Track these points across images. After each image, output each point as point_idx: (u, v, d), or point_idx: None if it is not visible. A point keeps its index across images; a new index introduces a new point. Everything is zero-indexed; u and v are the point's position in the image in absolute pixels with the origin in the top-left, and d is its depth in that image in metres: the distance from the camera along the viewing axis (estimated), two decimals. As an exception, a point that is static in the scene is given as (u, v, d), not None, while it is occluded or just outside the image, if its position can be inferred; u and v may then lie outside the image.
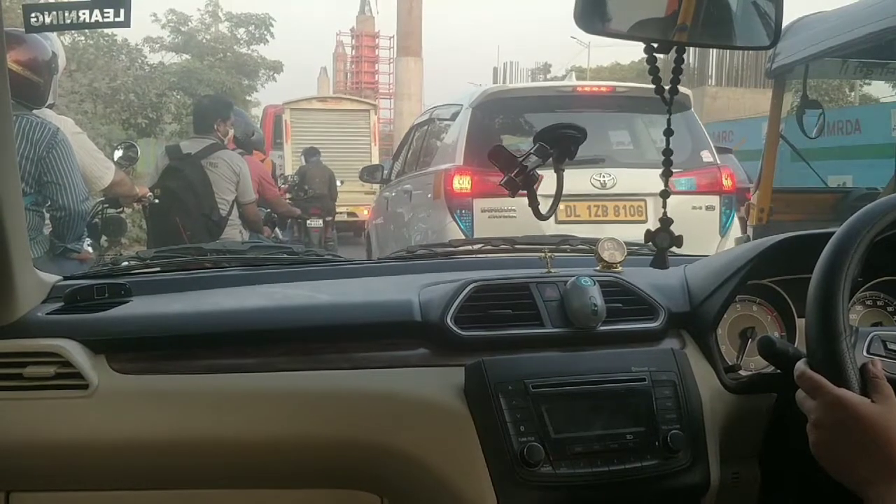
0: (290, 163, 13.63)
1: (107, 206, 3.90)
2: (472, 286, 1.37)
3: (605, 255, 1.58)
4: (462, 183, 4.85)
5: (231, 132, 4.86)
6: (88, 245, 3.47)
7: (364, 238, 8.28)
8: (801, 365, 1.08)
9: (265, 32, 25.03)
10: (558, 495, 1.20)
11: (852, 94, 20.98)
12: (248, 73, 24.97)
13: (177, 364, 1.27)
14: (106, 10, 1.03)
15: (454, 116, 5.46)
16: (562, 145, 1.46)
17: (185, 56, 23.33)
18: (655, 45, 1.00)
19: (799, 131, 4.23)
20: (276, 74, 26.05)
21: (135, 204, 4.25)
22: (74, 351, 1.24)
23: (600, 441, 1.22)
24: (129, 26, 1.05)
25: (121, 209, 4.06)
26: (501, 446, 1.19)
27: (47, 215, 3.01)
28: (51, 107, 3.17)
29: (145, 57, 19.99)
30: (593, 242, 1.66)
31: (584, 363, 1.30)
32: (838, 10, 3.94)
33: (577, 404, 1.23)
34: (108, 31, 17.03)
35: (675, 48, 1.02)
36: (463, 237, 4.55)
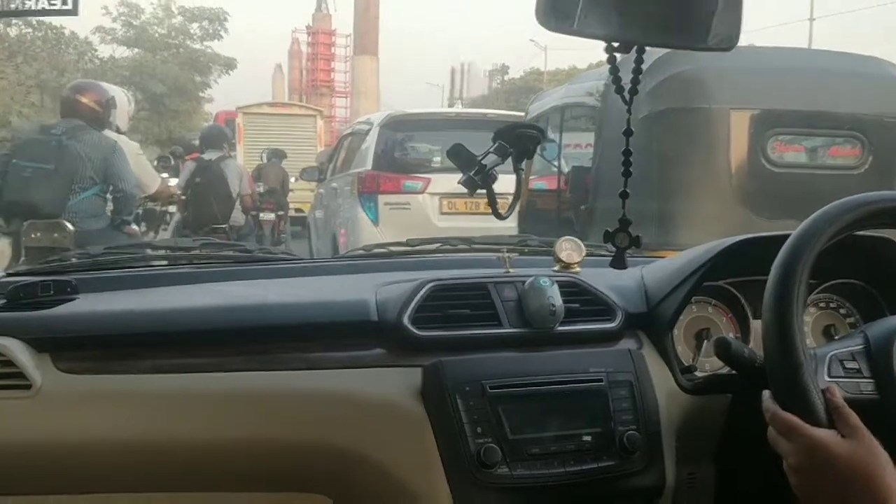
0: (242, 162, 13.80)
1: (147, 200, 5.44)
2: (429, 286, 1.35)
3: (563, 256, 1.57)
4: (369, 183, 6.64)
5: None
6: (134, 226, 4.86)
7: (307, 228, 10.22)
8: (769, 403, 1.07)
9: (219, 28, 24.67)
10: (514, 497, 1.19)
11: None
12: (201, 70, 24.62)
13: (124, 364, 1.23)
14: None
15: (368, 132, 7.16)
16: (521, 144, 1.45)
17: (136, 50, 22.86)
18: (616, 45, 0.99)
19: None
20: (230, 71, 25.75)
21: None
22: (17, 350, 1.19)
23: (557, 442, 1.21)
24: (76, 14, 1.02)
25: (157, 203, 5.94)
26: (458, 448, 1.18)
27: (109, 199, 4.37)
28: (118, 131, 4.73)
29: (95, 50, 19.59)
30: (551, 243, 1.66)
31: (541, 364, 1.29)
32: (557, 88, 5.55)
33: (535, 405, 1.23)
34: (56, 23, 16.74)
35: (635, 48, 1.02)
36: (370, 223, 6.44)
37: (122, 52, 22.39)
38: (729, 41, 1.03)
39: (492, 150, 1.39)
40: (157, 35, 23.56)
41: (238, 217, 6.93)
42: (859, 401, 1.07)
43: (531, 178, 5.86)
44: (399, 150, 7.03)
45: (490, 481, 1.17)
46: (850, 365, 1.12)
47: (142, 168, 4.88)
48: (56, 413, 1.17)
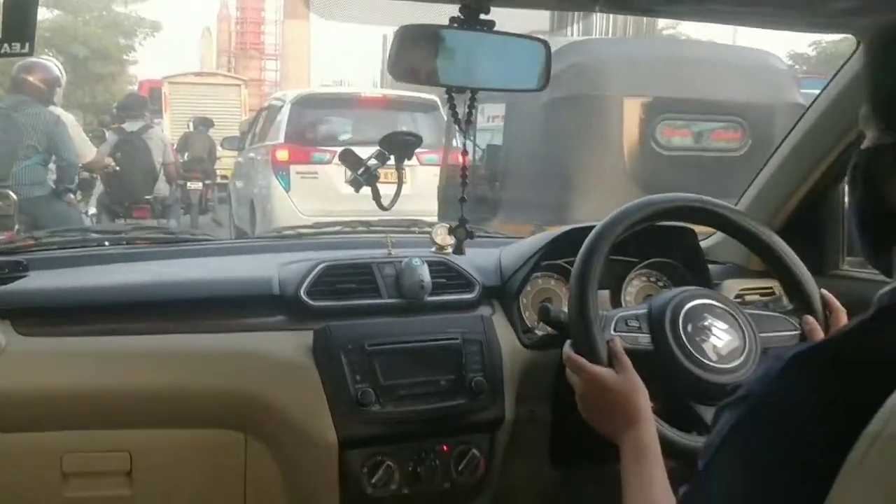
0: (169, 131, 13.84)
1: (82, 170, 5.85)
2: (322, 265, 1.67)
3: (438, 239, 1.91)
4: (282, 154, 7.64)
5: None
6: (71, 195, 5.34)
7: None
8: (567, 348, 1.42)
9: (144, -6, 24.21)
10: (385, 428, 1.53)
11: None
12: (125, 32, 24.13)
13: (70, 328, 1.51)
14: (13, 44, 1.27)
15: (281, 108, 8.16)
16: (400, 149, 1.78)
17: (56, 12, 22.25)
18: (453, 90, 1.33)
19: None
20: (155, 33, 25.31)
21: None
22: None
23: (420, 386, 1.55)
24: (32, 55, 1.29)
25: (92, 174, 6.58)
26: (341, 392, 1.50)
27: (52, 168, 4.89)
28: (55, 105, 5.04)
29: (13, 11, 18.97)
30: (432, 225, 2.00)
31: (411, 327, 1.63)
32: None
33: (404, 358, 1.56)
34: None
35: (468, 91, 1.36)
36: (283, 191, 7.52)
37: (42, 13, 21.77)
38: (540, 82, 1.38)
39: (374, 155, 1.71)
40: (77, -1, 23.02)
41: (162, 188, 7.25)
42: (638, 351, 1.43)
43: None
44: (308, 125, 8.00)
45: (366, 417, 1.50)
46: (632, 323, 1.47)
47: (78, 139, 5.40)
48: (19, 368, 1.45)
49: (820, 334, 1.46)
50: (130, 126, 7.03)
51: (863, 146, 0.88)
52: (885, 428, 0.68)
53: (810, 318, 1.50)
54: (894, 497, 0.66)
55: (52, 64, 5.45)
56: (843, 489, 0.69)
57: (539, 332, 1.74)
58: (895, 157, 0.82)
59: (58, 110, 5.08)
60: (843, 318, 1.50)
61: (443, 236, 1.92)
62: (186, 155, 10.64)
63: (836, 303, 1.53)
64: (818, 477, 0.71)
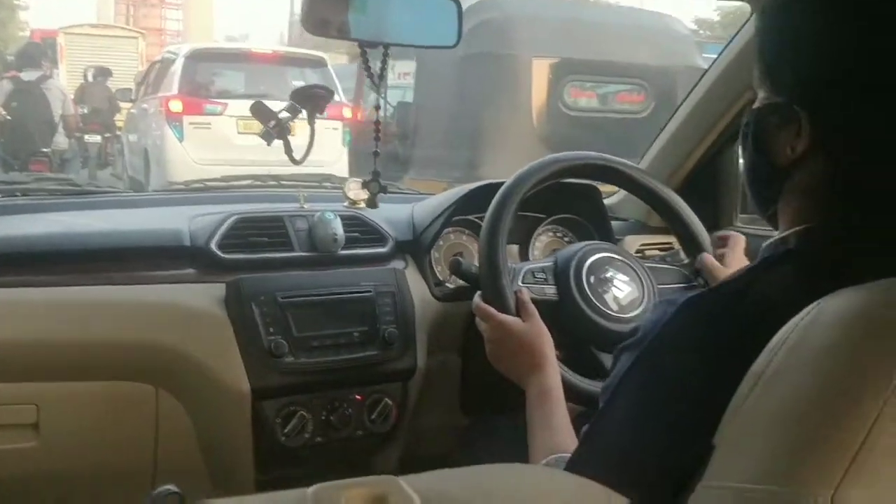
0: (65, 83, 13.35)
1: None
2: (233, 218, 1.66)
3: (351, 194, 1.91)
4: (175, 105, 8.05)
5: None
6: None
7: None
8: (476, 298, 1.46)
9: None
10: (298, 378, 1.55)
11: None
12: (15, -24, 22.78)
13: None
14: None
15: (174, 61, 8.67)
16: (312, 103, 1.77)
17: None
18: (365, 45, 1.34)
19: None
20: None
21: None
22: None
23: (333, 338, 1.57)
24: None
25: None
26: (254, 343, 1.51)
27: None
28: None
29: None
30: (344, 181, 2.00)
31: (324, 279, 1.64)
32: None
33: (317, 310, 1.58)
34: None
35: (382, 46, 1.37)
36: (176, 140, 7.86)
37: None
38: (452, 39, 1.40)
39: (285, 108, 1.70)
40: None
41: (61, 141, 7.22)
42: (544, 301, 1.49)
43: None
44: (201, 78, 8.49)
45: (279, 367, 1.52)
46: (539, 275, 1.54)
47: None
48: None
49: (719, 268, 1.52)
50: (28, 76, 6.87)
51: (754, 106, 0.94)
52: (766, 368, 0.73)
53: (707, 255, 1.56)
54: (771, 432, 0.72)
55: None
56: (729, 425, 0.75)
57: (450, 285, 1.78)
58: (780, 116, 0.88)
59: None
60: (741, 247, 1.57)
61: (355, 191, 1.93)
62: (85, 107, 10.18)
63: (737, 236, 1.60)
64: (707, 413, 0.76)
